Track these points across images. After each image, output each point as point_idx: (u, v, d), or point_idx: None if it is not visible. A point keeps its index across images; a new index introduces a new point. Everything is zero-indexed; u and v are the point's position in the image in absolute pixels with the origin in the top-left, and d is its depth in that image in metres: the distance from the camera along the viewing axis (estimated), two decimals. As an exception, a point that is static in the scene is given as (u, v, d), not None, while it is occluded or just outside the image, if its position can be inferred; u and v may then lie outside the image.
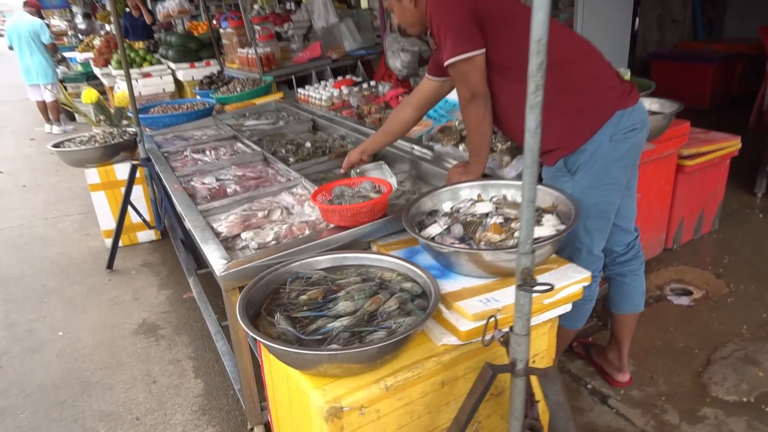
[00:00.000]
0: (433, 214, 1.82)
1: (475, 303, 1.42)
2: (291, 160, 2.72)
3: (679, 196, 2.98)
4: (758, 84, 4.66)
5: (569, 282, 1.53)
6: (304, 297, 1.50)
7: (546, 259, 1.59)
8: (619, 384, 2.11)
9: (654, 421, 1.95)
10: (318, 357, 1.24)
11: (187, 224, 1.95)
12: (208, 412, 2.13)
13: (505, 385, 1.62)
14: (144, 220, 3.63)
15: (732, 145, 3.06)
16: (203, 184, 2.46)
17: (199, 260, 3.27)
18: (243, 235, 1.88)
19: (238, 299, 1.47)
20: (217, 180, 2.50)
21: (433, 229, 1.69)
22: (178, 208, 2.12)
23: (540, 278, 1.55)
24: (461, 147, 2.26)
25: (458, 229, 1.69)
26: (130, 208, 3.38)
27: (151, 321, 2.83)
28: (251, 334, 1.27)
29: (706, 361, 2.22)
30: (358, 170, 2.35)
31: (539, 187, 1.80)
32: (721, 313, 2.55)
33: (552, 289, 1.15)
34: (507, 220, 1.74)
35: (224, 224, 1.97)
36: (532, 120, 1.05)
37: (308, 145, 2.93)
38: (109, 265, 3.45)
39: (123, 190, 3.34)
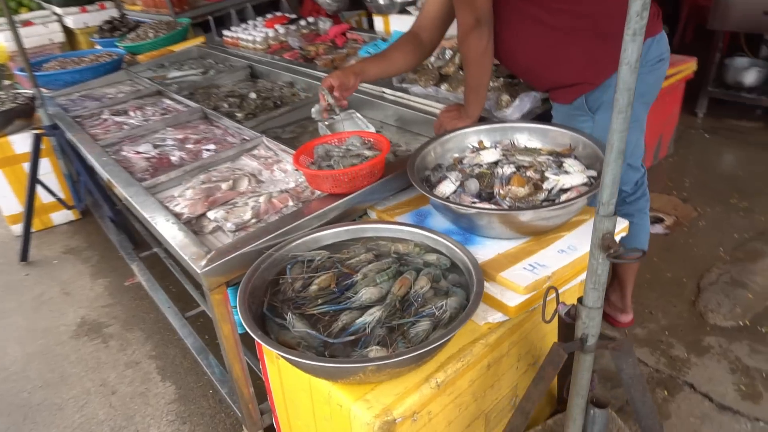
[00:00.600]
0: (438, 168, 1.58)
1: (522, 272, 1.23)
2: (239, 115, 2.34)
3: (644, 123, 2.92)
4: (675, 4, 4.72)
5: (610, 234, 1.37)
6: (314, 287, 1.23)
7: (580, 211, 1.41)
8: (623, 324, 2.06)
9: (664, 358, 1.92)
10: (363, 368, 1.00)
11: (136, 207, 1.58)
12: (189, 420, 1.85)
13: (540, 353, 1.47)
14: (58, 198, 3.08)
15: (689, 67, 3.03)
16: (138, 153, 2.04)
17: (136, 239, 2.85)
18: (210, 215, 1.54)
19: (234, 297, 1.19)
20: (155, 147, 2.08)
21: (446, 187, 1.46)
22: (117, 187, 1.72)
23: (577, 232, 1.40)
24: (443, 87, 2.00)
25: (473, 185, 1.47)
26: (39, 186, 2.84)
27: (92, 318, 2.42)
28: (275, 351, 1.00)
29: (696, 289, 2.23)
30: (326, 123, 2.03)
31: (550, 127, 1.61)
32: (696, 238, 2.57)
33: (644, 255, 0.98)
34: (519, 168, 1.54)
35: (182, 203, 1.61)
36: (633, 51, 0.82)
37: (253, 96, 2.53)
38: (23, 257, 2.92)
39: (27, 166, 2.78)
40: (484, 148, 1.65)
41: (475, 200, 1.42)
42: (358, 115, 2.05)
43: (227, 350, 1.40)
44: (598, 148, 1.44)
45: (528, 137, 1.61)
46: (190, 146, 2.07)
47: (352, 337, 1.09)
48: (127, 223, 2.89)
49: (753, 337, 1.97)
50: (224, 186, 1.68)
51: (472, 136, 1.63)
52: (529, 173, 1.51)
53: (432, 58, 2.16)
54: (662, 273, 2.34)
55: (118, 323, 2.35)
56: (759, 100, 3.59)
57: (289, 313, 1.15)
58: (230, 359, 1.41)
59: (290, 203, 1.55)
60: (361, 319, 1.13)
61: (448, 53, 2.08)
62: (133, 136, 2.20)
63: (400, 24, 2.88)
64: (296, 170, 1.74)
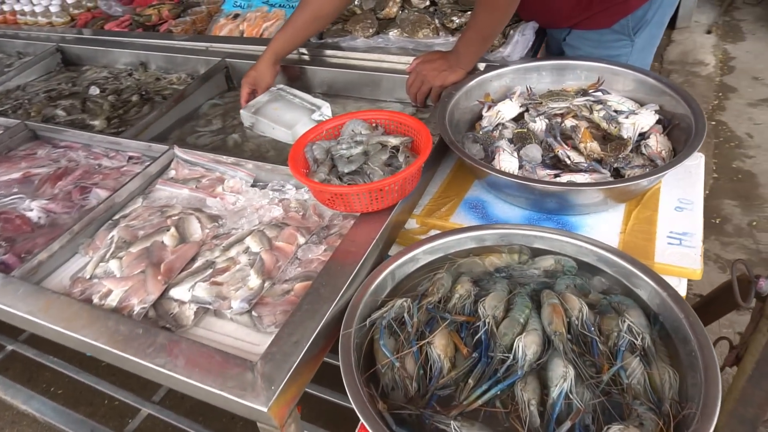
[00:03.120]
0: (470, 137, 1.21)
1: (673, 250, 0.97)
2: (96, 123, 1.60)
3: None
4: None
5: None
6: (443, 364, 0.81)
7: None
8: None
9: None
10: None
11: (38, 325, 0.90)
12: None
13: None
14: None
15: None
16: (-42, 221, 1.23)
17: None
18: (179, 294, 0.96)
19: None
20: (-16, 203, 1.29)
21: (508, 162, 1.11)
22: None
23: (668, 180, 1.17)
24: (392, 34, 1.56)
25: (536, 151, 1.14)
26: None
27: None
28: None
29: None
30: (252, 110, 1.47)
31: (557, 62, 1.34)
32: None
33: None
34: (551, 118, 1.25)
35: (115, 287, 0.98)
36: None
37: (95, 92, 1.76)
38: None
39: None
40: (492, 101, 1.32)
41: (550, 171, 1.10)
42: (289, 89, 1.52)
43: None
44: (648, 77, 1.22)
45: (542, 78, 1.32)
46: (46, 189, 1.32)
47: (569, 424, 0.73)
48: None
49: None
50: (167, 240, 1.07)
51: (493, 82, 1.28)
52: (569, 121, 1.24)
53: (356, 0, 1.68)
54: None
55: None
56: None
57: (452, 423, 0.73)
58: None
59: (300, 240, 1.03)
60: (555, 390, 0.76)
61: (379, -11, 1.63)
62: (-76, 193, 1.34)
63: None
64: (262, 188, 1.20)
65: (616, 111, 1.22)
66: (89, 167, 1.39)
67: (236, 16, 1.94)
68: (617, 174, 1.09)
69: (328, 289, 0.87)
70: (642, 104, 1.23)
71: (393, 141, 1.06)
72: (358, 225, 1.00)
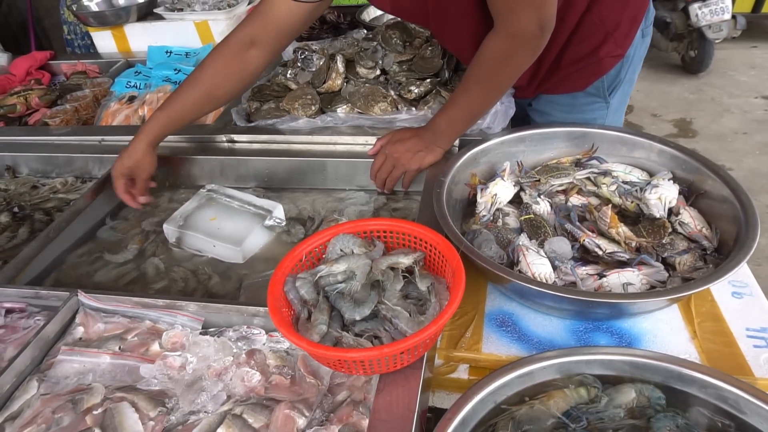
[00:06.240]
0: (479, 234, 0.99)
1: (765, 356, 0.80)
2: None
3: None
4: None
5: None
6: None
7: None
8: None
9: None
10: None
11: None
12: None
13: None
14: None
15: None
16: None
17: None
18: None
19: None
20: None
21: (541, 266, 0.90)
22: None
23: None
24: (340, 110, 1.31)
25: (564, 246, 0.95)
26: None
27: None
28: None
29: None
30: (179, 224, 1.14)
31: (547, 129, 1.19)
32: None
33: None
34: (553, 197, 1.09)
35: None
36: None
37: (-58, 213, 1.31)
38: None
39: None
40: (482, 183, 1.12)
41: (589, 269, 0.91)
42: (222, 189, 1.23)
43: None
44: (658, 143, 1.09)
45: (537, 149, 1.16)
46: None
47: None
48: None
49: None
50: (91, 455, 0.71)
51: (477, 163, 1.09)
52: (575, 199, 1.08)
53: (288, 73, 1.42)
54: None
55: None
56: None
57: None
58: None
59: (300, 423, 0.72)
60: None
61: (316, 59, 1.38)
62: None
63: (149, 36, 1.92)
64: (216, 335, 0.88)
65: (624, 182, 1.08)
66: (-54, 334, 0.96)
67: (132, 98, 1.59)
68: (663, 263, 0.92)
69: None
70: (650, 173, 1.10)
71: (405, 260, 0.80)
72: (382, 391, 0.71)
